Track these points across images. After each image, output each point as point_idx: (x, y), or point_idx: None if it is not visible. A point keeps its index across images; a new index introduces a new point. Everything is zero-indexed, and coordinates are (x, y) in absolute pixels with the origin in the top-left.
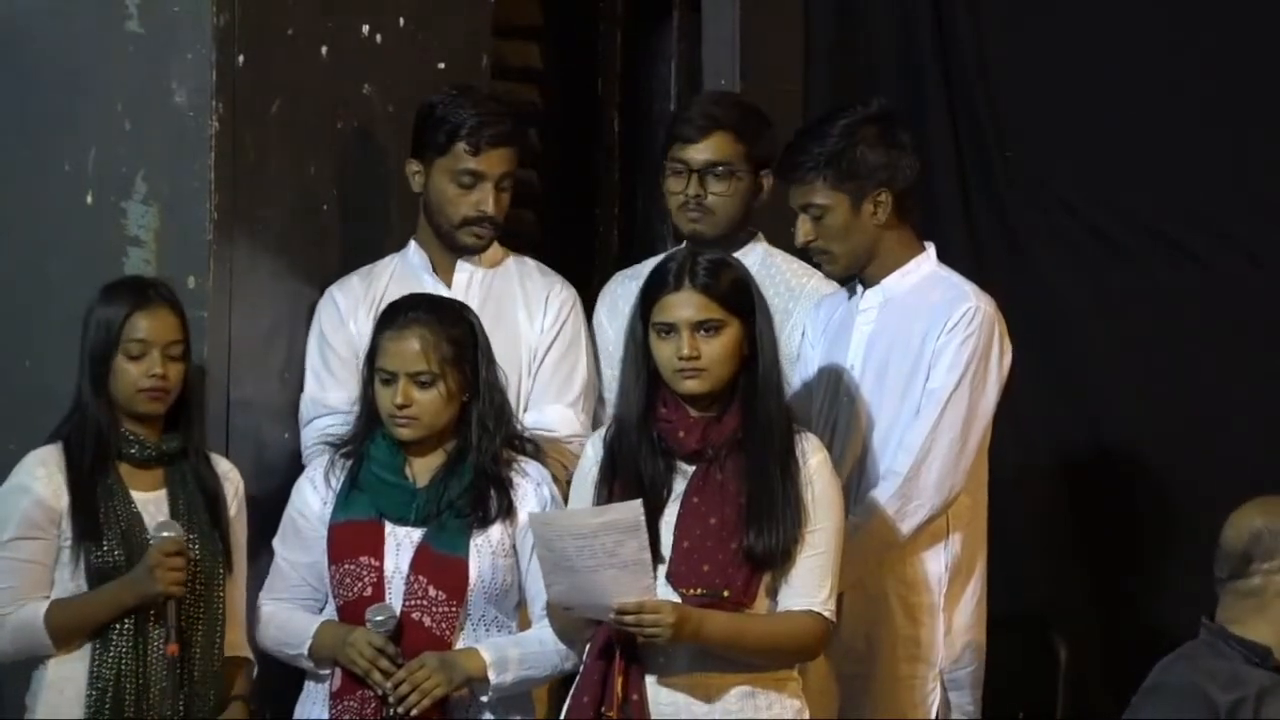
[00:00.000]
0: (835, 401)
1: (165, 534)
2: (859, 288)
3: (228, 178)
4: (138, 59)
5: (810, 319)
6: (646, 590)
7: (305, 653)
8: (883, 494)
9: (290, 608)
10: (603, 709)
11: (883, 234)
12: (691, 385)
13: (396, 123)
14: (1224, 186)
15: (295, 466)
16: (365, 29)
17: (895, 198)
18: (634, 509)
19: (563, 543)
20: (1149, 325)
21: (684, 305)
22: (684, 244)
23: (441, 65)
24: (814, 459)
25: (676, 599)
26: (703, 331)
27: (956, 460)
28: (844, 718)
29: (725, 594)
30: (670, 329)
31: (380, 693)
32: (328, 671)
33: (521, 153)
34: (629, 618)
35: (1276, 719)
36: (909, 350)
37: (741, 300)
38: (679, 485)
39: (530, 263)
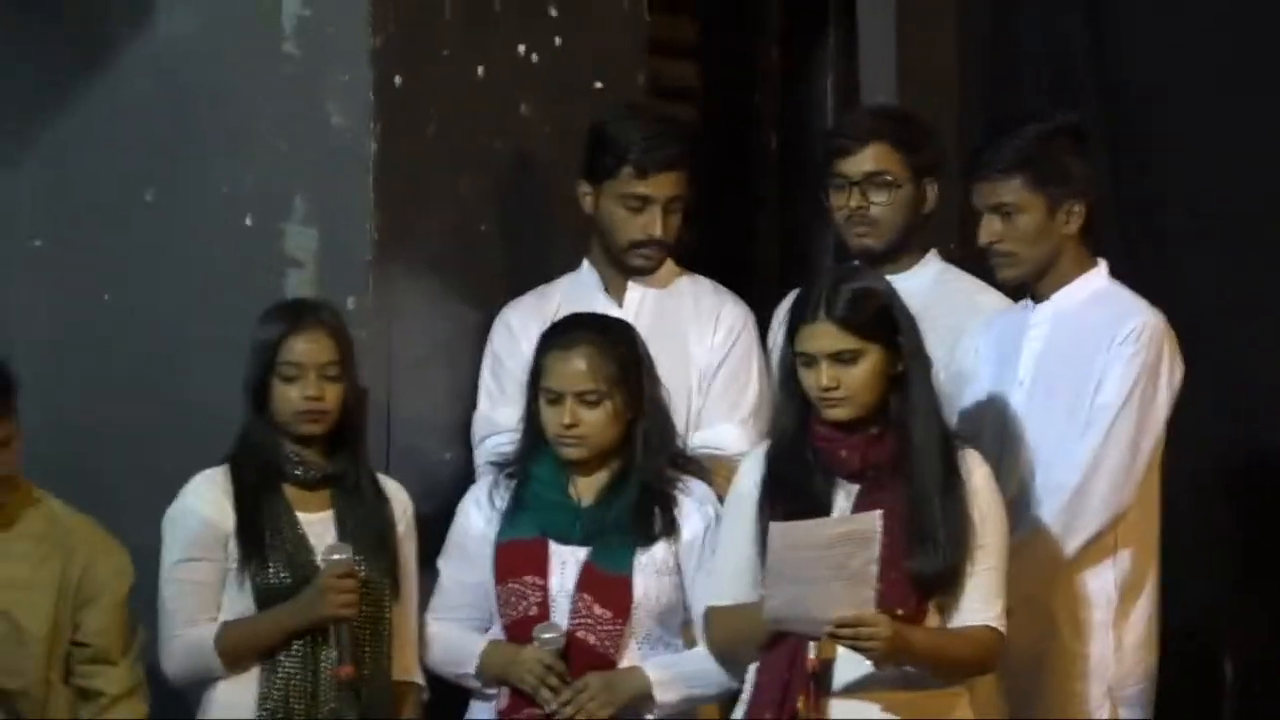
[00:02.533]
0: (1006, 418)
1: (336, 556)
2: (1029, 303)
3: (386, 198)
4: (295, 81)
5: (981, 336)
6: (866, 603)
7: (473, 672)
8: (1050, 510)
9: (456, 627)
10: None
11: (1065, 245)
12: (835, 414)
13: (554, 142)
14: None
15: (458, 486)
16: (521, 49)
17: (1086, 210)
18: (874, 520)
19: (797, 553)
20: None
21: (820, 337)
22: (842, 260)
23: (598, 84)
24: (977, 474)
25: None
26: (840, 362)
27: (1125, 476)
28: None
29: (899, 612)
30: (810, 359)
31: (548, 710)
32: (494, 691)
33: (691, 173)
34: (846, 631)
35: None
36: (1079, 365)
37: (881, 325)
38: (842, 504)
39: (704, 281)
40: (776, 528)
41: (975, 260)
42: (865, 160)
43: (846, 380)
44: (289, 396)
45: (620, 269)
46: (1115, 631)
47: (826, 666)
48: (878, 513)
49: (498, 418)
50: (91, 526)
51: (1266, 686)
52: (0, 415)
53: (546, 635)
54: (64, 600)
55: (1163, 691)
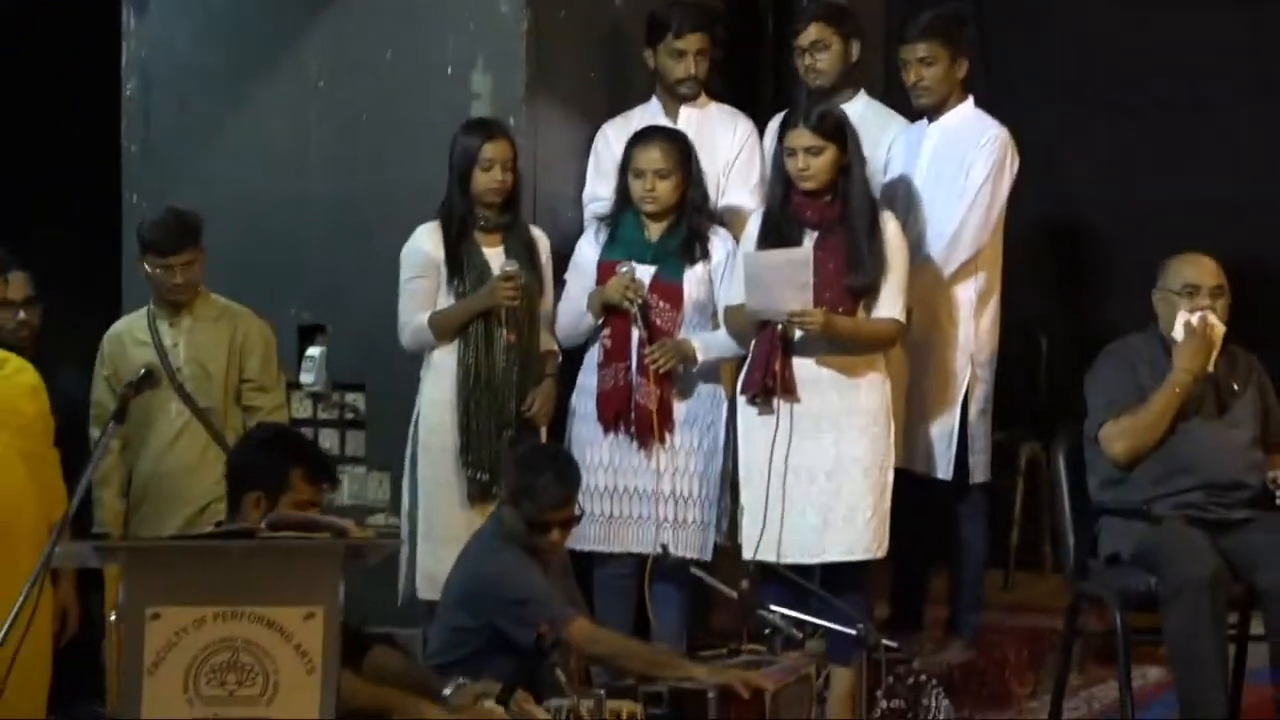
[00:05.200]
0: (911, 191)
1: (506, 267)
2: (926, 122)
3: (534, 57)
4: None
5: (897, 143)
6: (806, 303)
7: (586, 309)
8: (936, 248)
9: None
10: (765, 379)
11: (955, 86)
12: (806, 186)
13: (635, 21)
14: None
15: (577, 233)
16: None
17: (968, 64)
18: (807, 251)
19: (764, 271)
20: (1117, 139)
21: (800, 137)
22: (811, 95)
23: None
24: (890, 226)
25: None
26: (810, 154)
27: (983, 225)
28: (912, 388)
29: (839, 309)
30: (793, 151)
31: (626, 365)
32: (601, 334)
33: (712, 35)
34: (796, 319)
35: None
36: (957, 159)
37: (836, 133)
38: (807, 244)
39: (726, 106)
40: (748, 256)
41: (892, 96)
42: (810, 34)
43: (814, 165)
44: (484, 180)
45: (675, 99)
46: (975, 321)
47: (789, 339)
48: (810, 246)
49: (598, 191)
50: (246, 309)
51: (1066, 354)
52: (196, 247)
53: (623, 269)
54: (233, 353)
55: (1003, 359)
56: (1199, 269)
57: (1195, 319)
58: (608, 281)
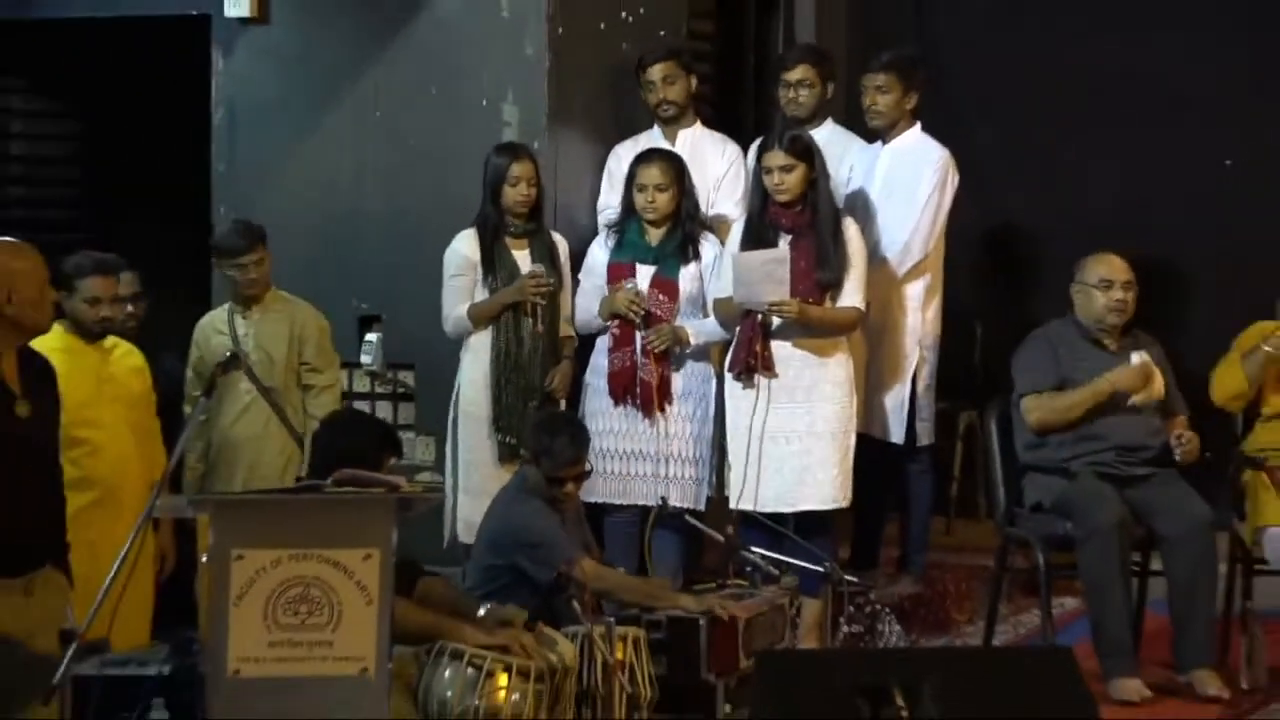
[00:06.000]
0: (869, 204)
1: (533, 268)
2: (880, 144)
3: (554, 91)
4: (507, 31)
5: (855, 161)
6: (784, 294)
7: (597, 312)
8: (892, 252)
9: (589, 304)
10: (748, 358)
11: (905, 113)
12: (781, 198)
13: (636, 63)
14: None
15: (590, 238)
16: (623, 13)
17: (918, 95)
18: (784, 250)
19: (748, 268)
20: (1039, 159)
21: (775, 158)
22: (785, 121)
23: (661, 32)
24: (850, 230)
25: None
26: (784, 171)
27: (930, 234)
28: (870, 366)
29: (810, 300)
30: (769, 170)
31: (631, 349)
32: (610, 325)
33: (679, 62)
34: (775, 308)
35: (1070, 359)
36: (907, 177)
37: (806, 153)
38: (783, 245)
39: (717, 133)
40: (735, 255)
41: (852, 123)
42: (796, 73)
43: (787, 181)
44: (512, 193)
45: (667, 124)
46: (922, 312)
47: (767, 325)
48: (786, 248)
49: (610, 200)
50: (305, 302)
51: (997, 338)
52: (263, 248)
53: (627, 285)
54: (292, 340)
55: (945, 343)
56: (1111, 266)
57: (1146, 362)
58: (615, 294)
